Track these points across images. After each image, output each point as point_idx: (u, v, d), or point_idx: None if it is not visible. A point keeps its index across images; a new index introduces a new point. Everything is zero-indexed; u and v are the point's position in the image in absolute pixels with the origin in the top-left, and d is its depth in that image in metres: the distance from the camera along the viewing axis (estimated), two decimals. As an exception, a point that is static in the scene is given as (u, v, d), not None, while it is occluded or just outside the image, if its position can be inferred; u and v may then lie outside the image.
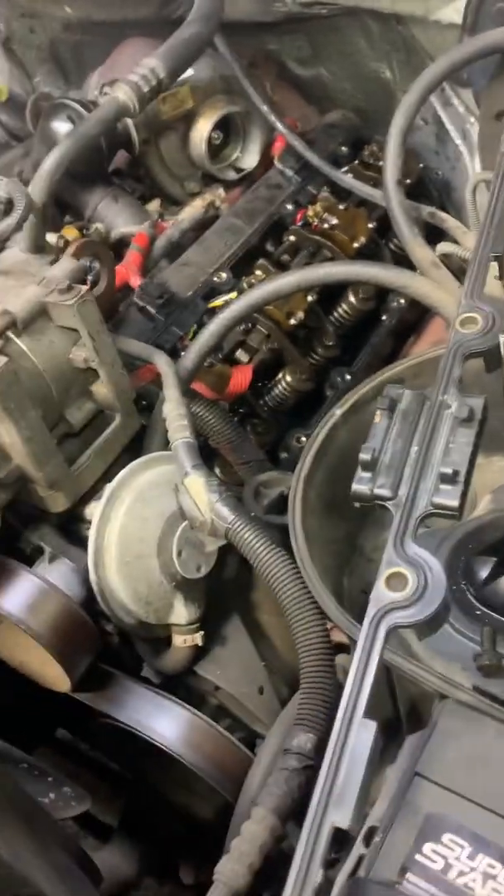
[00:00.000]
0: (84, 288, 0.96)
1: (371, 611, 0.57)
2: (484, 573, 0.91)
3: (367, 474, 0.64)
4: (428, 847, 0.58)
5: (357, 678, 0.55)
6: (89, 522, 1.03)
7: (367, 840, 0.61)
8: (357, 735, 0.53)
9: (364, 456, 0.64)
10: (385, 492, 0.63)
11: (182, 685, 1.11)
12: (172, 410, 1.04)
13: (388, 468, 0.64)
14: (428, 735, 0.64)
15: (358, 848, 0.61)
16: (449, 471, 0.60)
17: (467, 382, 1.03)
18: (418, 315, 1.61)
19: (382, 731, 0.86)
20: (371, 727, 0.53)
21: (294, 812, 0.79)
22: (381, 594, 0.58)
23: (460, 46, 1.21)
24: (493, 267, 1.15)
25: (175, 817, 1.27)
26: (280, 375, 1.43)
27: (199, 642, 1.04)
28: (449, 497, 0.60)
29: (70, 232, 1.43)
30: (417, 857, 0.58)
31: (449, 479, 0.60)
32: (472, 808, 0.59)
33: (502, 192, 0.78)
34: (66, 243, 1.26)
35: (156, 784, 1.22)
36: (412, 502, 0.62)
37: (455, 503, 0.60)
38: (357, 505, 0.65)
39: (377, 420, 0.67)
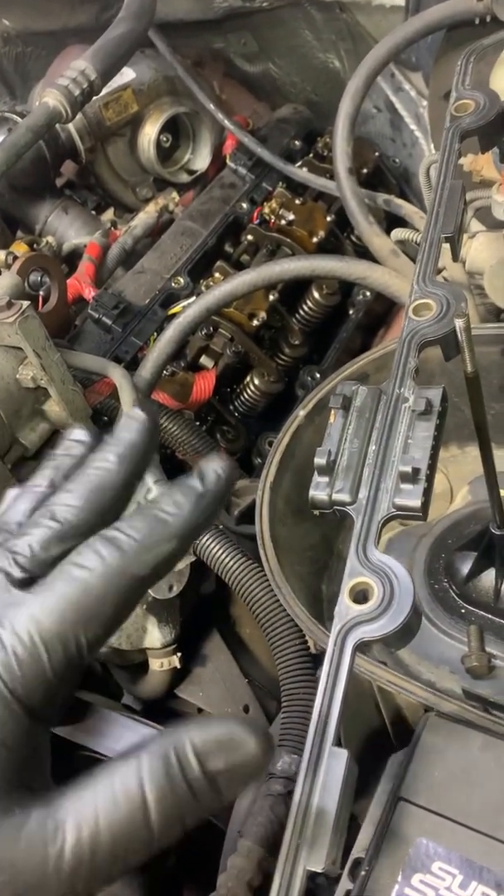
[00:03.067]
0: (25, 304, 0.91)
1: (336, 627, 0.53)
2: (465, 569, 0.87)
3: (324, 479, 0.60)
4: (417, 878, 0.54)
5: (324, 703, 0.50)
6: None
7: (353, 874, 0.57)
8: (327, 766, 0.48)
9: (319, 460, 0.60)
10: (344, 496, 0.59)
11: (165, 710, 1.06)
12: (130, 424, 1.00)
13: (345, 470, 0.60)
14: (410, 754, 0.59)
15: (344, 883, 0.57)
16: (408, 469, 0.56)
17: (435, 372, 1.00)
18: (386, 306, 1.58)
19: (368, 745, 0.82)
20: (342, 756, 0.48)
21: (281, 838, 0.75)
22: (345, 608, 0.53)
23: (401, 27, 1.17)
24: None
25: (174, 844, 1.22)
26: (247, 379, 1.39)
27: (178, 664, 1.00)
28: (410, 497, 0.56)
29: (19, 247, 1.39)
30: (406, 890, 0.53)
31: (409, 477, 0.56)
32: (462, 832, 0.55)
33: (449, 172, 0.74)
34: (16, 259, 1.22)
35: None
36: (373, 505, 0.57)
37: (416, 503, 0.55)
38: (316, 513, 0.61)
39: (332, 420, 0.63)
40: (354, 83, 1.17)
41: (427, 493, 0.57)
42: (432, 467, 0.58)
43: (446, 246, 0.71)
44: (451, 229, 0.69)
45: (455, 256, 0.71)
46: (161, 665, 0.99)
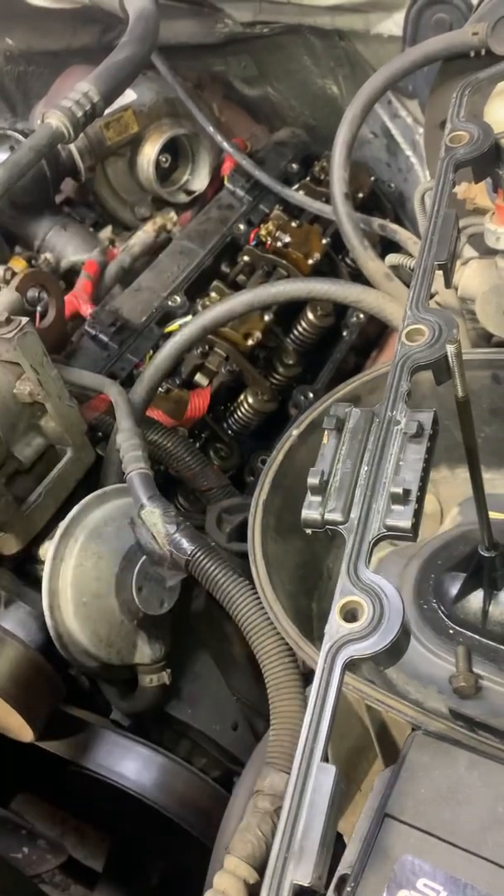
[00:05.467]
0: (24, 320, 0.92)
1: (326, 645, 0.54)
2: (454, 590, 0.88)
3: (317, 498, 0.61)
4: (402, 894, 0.54)
5: (314, 720, 0.51)
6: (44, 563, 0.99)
7: (339, 889, 0.57)
8: (315, 782, 0.49)
9: (312, 480, 0.61)
10: (336, 516, 0.60)
11: (153, 726, 1.06)
12: (125, 441, 1.01)
13: (338, 491, 0.61)
14: (397, 772, 0.60)
15: (329, 899, 0.58)
16: (399, 490, 0.57)
17: (426, 395, 1.01)
18: (380, 329, 1.60)
19: (351, 758, 0.82)
20: (330, 772, 0.49)
21: (268, 856, 0.75)
22: (335, 626, 0.54)
23: (398, 58, 1.19)
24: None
25: (159, 860, 1.22)
26: (241, 397, 1.41)
27: (167, 681, 1.00)
28: (401, 518, 0.57)
29: (18, 263, 1.40)
30: (391, 906, 0.54)
31: (400, 498, 0.57)
32: (447, 849, 0.55)
33: (443, 200, 0.76)
34: (14, 275, 1.24)
35: (135, 828, 1.17)
36: (364, 525, 0.58)
37: (407, 524, 0.57)
38: (309, 532, 0.62)
39: (325, 441, 0.64)
40: (352, 111, 1.20)
41: (417, 514, 0.58)
42: (423, 489, 0.59)
43: (439, 272, 0.73)
44: (444, 257, 0.71)
45: (448, 283, 0.73)
46: (150, 681, 0.99)
